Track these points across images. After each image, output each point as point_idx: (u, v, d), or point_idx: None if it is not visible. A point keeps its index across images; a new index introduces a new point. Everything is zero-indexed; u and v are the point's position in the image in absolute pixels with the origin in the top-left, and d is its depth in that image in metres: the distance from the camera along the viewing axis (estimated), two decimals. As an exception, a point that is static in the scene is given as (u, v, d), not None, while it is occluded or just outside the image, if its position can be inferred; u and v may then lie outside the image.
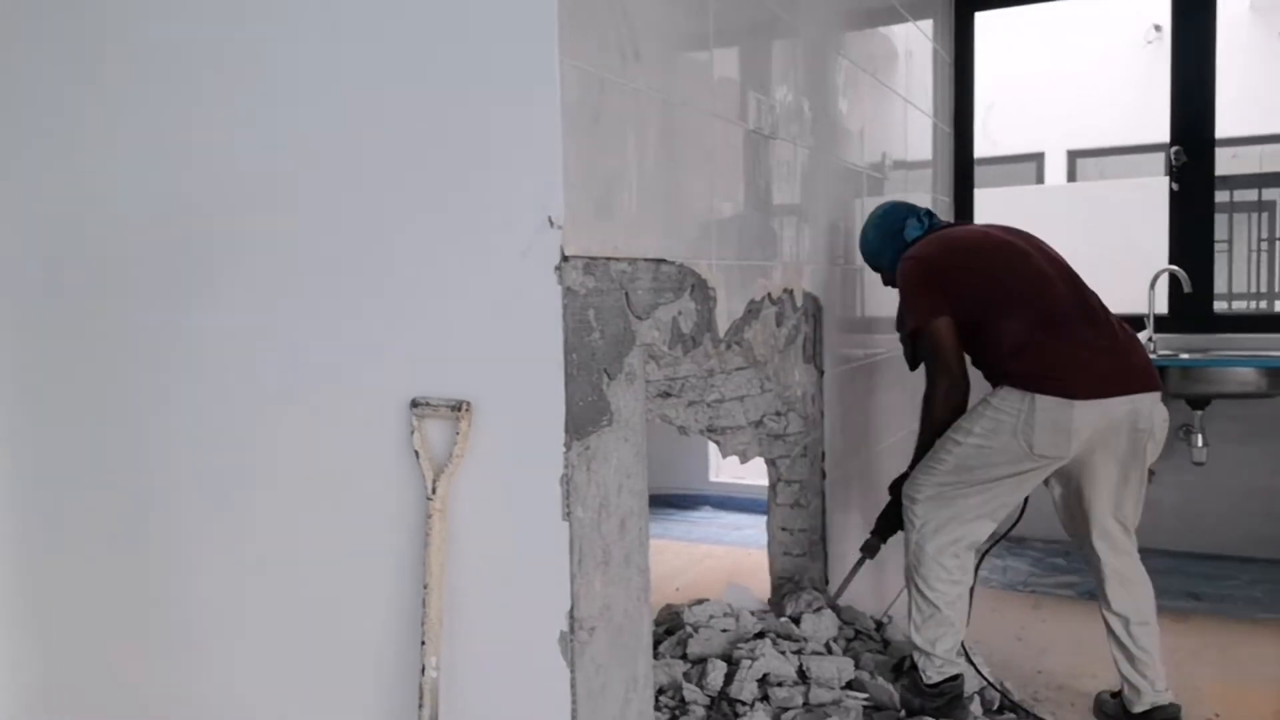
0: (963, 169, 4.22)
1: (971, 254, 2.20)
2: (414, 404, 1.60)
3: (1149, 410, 2.09)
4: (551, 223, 1.51)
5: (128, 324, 1.89)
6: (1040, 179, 8.06)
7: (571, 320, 1.54)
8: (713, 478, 4.89)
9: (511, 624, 1.59)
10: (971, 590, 2.31)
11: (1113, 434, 2.08)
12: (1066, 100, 7.65)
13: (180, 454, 1.86)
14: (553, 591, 1.54)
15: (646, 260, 1.78)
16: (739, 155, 2.19)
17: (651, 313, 1.80)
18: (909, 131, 3.53)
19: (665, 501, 4.81)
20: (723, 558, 3.98)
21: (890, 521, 2.42)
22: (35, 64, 1.92)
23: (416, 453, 1.60)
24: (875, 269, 2.61)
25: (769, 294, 2.34)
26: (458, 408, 1.57)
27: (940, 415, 2.18)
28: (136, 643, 1.95)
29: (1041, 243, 2.33)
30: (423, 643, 1.57)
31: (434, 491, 1.57)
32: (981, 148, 5.39)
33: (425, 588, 1.57)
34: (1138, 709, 2.24)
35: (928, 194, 3.80)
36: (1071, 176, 8.05)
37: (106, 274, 1.91)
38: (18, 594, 2.06)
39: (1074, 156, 8.05)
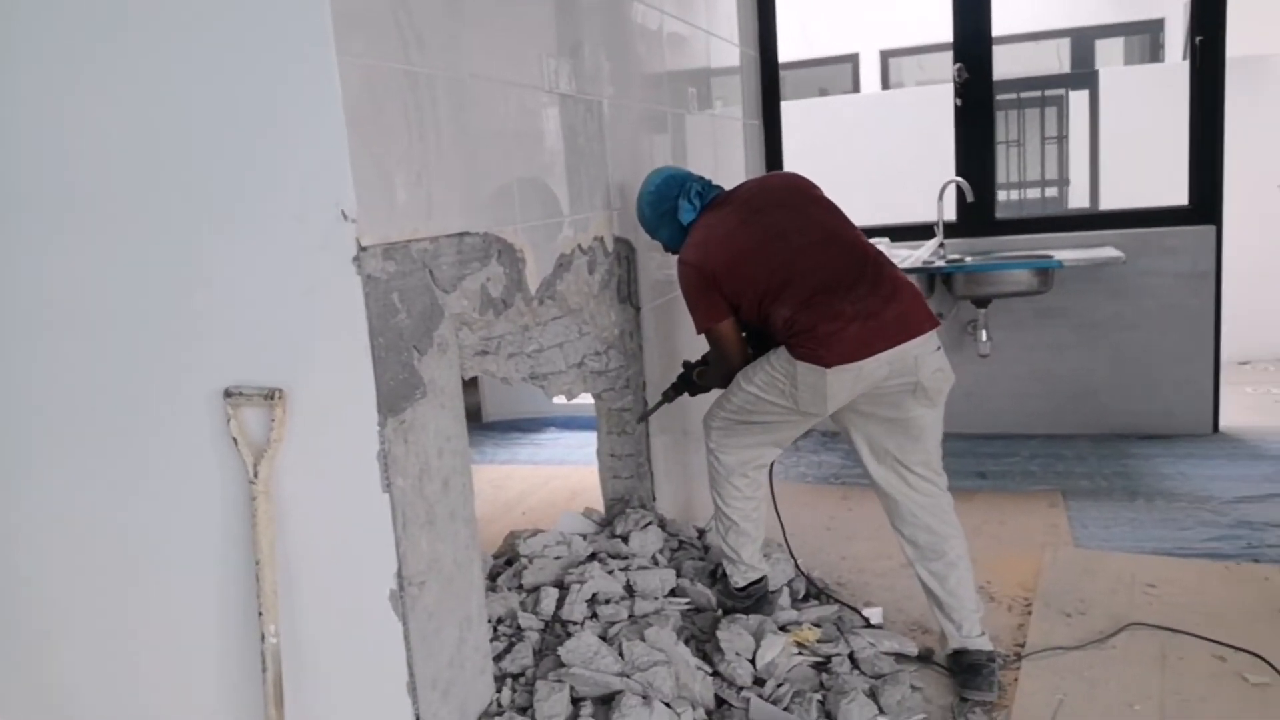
0: (769, 90, 4.38)
1: (739, 254, 2.28)
2: (227, 394, 1.68)
3: (912, 362, 2.19)
4: (345, 216, 1.59)
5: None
6: (856, 81, 8.36)
7: (375, 305, 1.64)
8: (556, 399, 5.05)
9: (345, 589, 1.73)
10: (775, 500, 2.62)
11: (876, 391, 2.23)
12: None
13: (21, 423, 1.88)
14: (379, 555, 1.69)
15: (448, 236, 1.88)
16: (536, 118, 2.28)
17: (458, 284, 1.91)
18: (713, 62, 3.66)
19: (512, 427, 4.97)
20: (568, 477, 4.18)
21: (678, 387, 2.76)
22: None
23: (235, 439, 1.68)
24: (654, 239, 2.63)
25: (579, 245, 2.47)
26: (271, 395, 1.65)
27: (722, 385, 2.48)
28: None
29: (810, 197, 2.39)
30: (260, 613, 1.69)
31: (256, 475, 1.67)
32: (799, 50, 5.48)
33: (257, 563, 1.68)
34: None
35: (739, 120, 3.98)
36: (885, 76, 8.38)
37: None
38: None
39: (886, 56, 8.36)
